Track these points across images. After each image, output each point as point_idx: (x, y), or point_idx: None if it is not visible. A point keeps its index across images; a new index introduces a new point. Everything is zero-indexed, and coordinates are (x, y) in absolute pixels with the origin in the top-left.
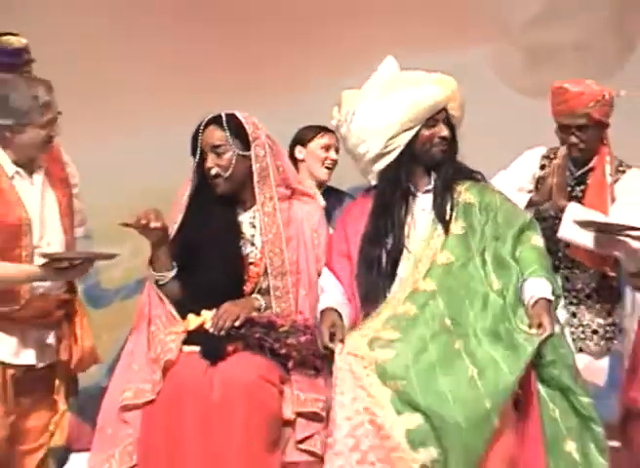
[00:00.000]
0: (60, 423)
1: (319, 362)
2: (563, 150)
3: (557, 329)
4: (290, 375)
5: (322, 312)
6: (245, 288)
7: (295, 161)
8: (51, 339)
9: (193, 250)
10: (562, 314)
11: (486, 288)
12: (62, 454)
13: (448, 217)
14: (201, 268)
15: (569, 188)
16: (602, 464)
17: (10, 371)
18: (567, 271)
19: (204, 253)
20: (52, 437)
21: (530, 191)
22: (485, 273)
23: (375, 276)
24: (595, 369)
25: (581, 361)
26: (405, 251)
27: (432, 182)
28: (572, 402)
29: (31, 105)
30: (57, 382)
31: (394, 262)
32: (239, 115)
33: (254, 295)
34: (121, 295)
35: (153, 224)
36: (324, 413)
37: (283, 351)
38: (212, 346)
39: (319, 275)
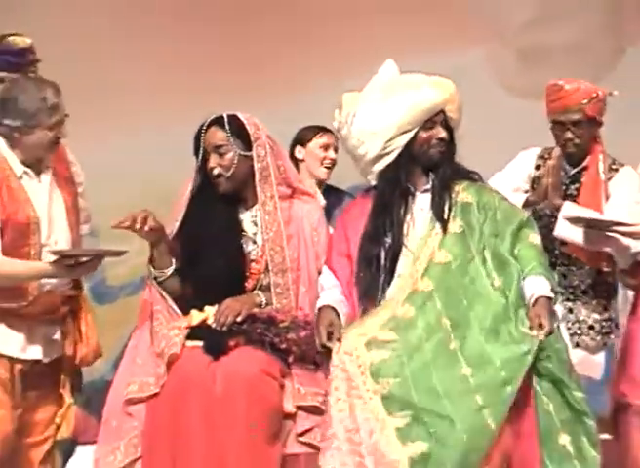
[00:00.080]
0: (66, 416)
1: (319, 356)
2: (557, 151)
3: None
4: (290, 370)
5: (320, 310)
6: (246, 284)
7: (295, 161)
8: (57, 335)
9: (196, 247)
10: (559, 310)
11: (487, 288)
12: (69, 447)
13: (446, 216)
14: (203, 265)
15: (563, 187)
16: (594, 457)
17: (17, 366)
18: (563, 268)
19: (206, 251)
20: (58, 430)
21: (526, 191)
22: (486, 272)
23: (374, 274)
24: (591, 363)
25: (578, 355)
26: (404, 249)
27: (430, 182)
28: (565, 396)
29: (39, 107)
30: (62, 376)
31: (393, 260)
32: (241, 116)
33: (255, 292)
34: (126, 292)
35: (147, 227)
36: (324, 407)
37: (283, 346)
38: (214, 341)
39: (319, 272)
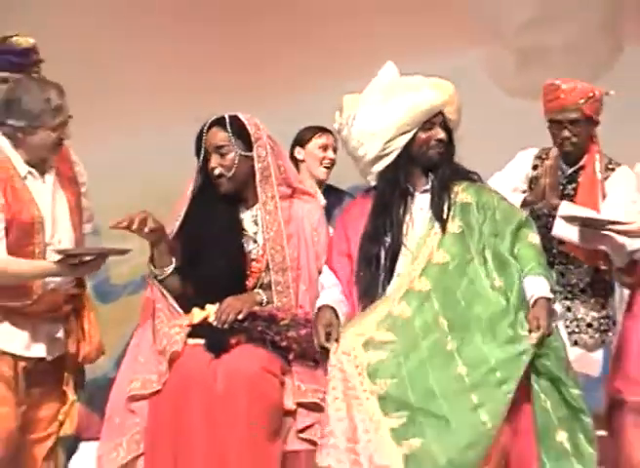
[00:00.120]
0: (69, 413)
1: (319, 354)
2: (554, 151)
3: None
4: (291, 367)
5: (319, 310)
6: (247, 283)
7: (295, 161)
8: (60, 333)
9: (197, 246)
10: (557, 308)
11: (486, 289)
12: (72, 443)
13: (445, 216)
14: (205, 264)
15: (561, 187)
16: (591, 454)
17: (21, 364)
18: (561, 267)
19: (208, 250)
20: (61, 426)
21: (524, 191)
22: (487, 272)
23: (374, 273)
24: (589, 360)
25: (576, 353)
26: (403, 248)
27: (430, 183)
28: (563, 393)
29: (43, 108)
30: (65, 374)
31: (393, 260)
32: (242, 117)
33: (256, 290)
34: (128, 291)
35: (147, 229)
36: (324, 404)
37: (284, 344)
38: (215, 339)
39: (319, 271)
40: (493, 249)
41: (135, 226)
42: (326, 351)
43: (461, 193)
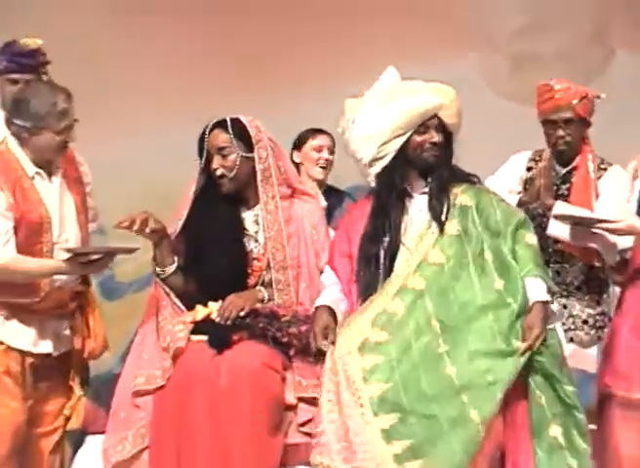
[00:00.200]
0: (75, 408)
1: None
2: (547, 152)
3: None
4: (292, 362)
5: (316, 310)
6: (249, 281)
7: (297, 165)
8: (66, 329)
9: (200, 245)
10: (554, 306)
11: (480, 295)
12: (79, 437)
13: (443, 218)
14: (208, 263)
15: (555, 187)
16: (585, 448)
17: (29, 360)
18: (557, 266)
19: (210, 249)
20: (68, 420)
21: (519, 192)
22: (486, 273)
23: (373, 272)
24: (585, 356)
25: (572, 348)
26: (402, 247)
27: (428, 185)
28: (557, 390)
29: (49, 111)
30: (71, 369)
31: (391, 259)
32: (243, 119)
33: (257, 288)
34: (133, 288)
35: (148, 229)
36: None
37: (285, 340)
38: (218, 335)
39: (318, 269)
40: (494, 249)
41: (136, 227)
42: (323, 353)
43: (461, 195)
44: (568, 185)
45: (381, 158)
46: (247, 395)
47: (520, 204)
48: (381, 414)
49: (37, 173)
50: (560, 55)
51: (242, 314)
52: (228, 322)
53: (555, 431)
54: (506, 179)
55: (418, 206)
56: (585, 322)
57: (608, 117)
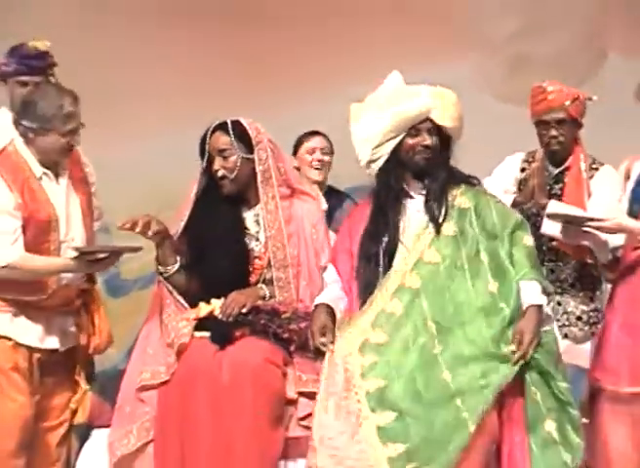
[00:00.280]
0: (82, 402)
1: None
2: (540, 153)
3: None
4: (292, 358)
5: (315, 308)
6: (250, 279)
7: (297, 169)
8: (72, 326)
9: (203, 245)
10: (548, 309)
11: (474, 297)
12: (85, 431)
13: (441, 219)
14: (210, 262)
15: (548, 187)
16: (579, 443)
17: (36, 355)
18: (551, 264)
19: (213, 248)
20: (74, 414)
21: (514, 193)
22: (480, 275)
23: (373, 269)
24: (580, 352)
25: (566, 344)
26: (401, 246)
27: (425, 186)
28: (551, 387)
29: (55, 114)
30: (77, 365)
31: (390, 257)
32: (243, 121)
33: (259, 285)
34: (138, 286)
35: (150, 232)
36: None
37: (286, 336)
38: (221, 331)
39: (318, 267)
40: (491, 251)
41: (138, 229)
42: (321, 351)
43: (460, 197)
44: (561, 185)
45: (375, 160)
46: (249, 389)
47: (514, 204)
48: (378, 411)
49: (44, 173)
50: (554, 57)
51: (244, 311)
52: (231, 318)
53: (550, 426)
54: (501, 180)
55: (415, 206)
56: (579, 318)
57: (600, 119)
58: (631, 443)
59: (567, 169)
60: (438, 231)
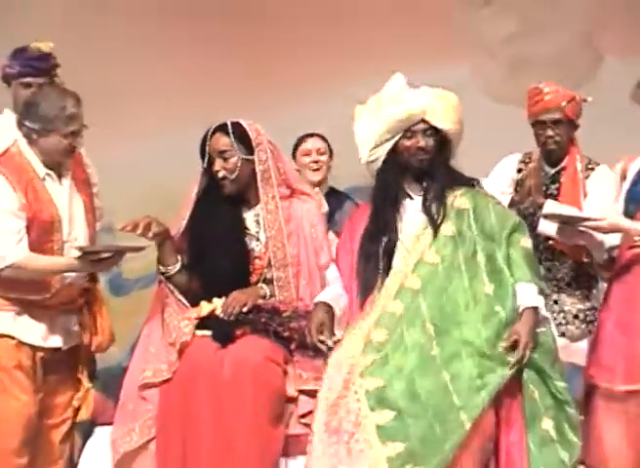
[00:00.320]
0: (85, 399)
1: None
2: (536, 154)
3: (544, 328)
4: (292, 356)
5: (314, 306)
6: (251, 278)
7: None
8: (75, 325)
9: (204, 245)
10: (543, 312)
11: (471, 298)
12: (88, 428)
13: (439, 220)
14: (211, 262)
15: (544, 187)
16: (576, 442)
17: (39, 354)
18: (548, 263)
19: (214, 248)
20: (77, 412)
21: (510, 194)
22: (477, 276)
23: (372, 269)
24: (576, 350)
25: (564, 342)
26: (400, 245)
27: (423, 187)
28: (549, 386)
29: (58, 115)
30: (80, 363)
31: (389, 256)
32: (243, 123)
33: (259, 285)
34: (140, 285)
35: (151, 234)
36: None
37: (286, 334)
38: (222, 330)
39: (317, 266)
40: (488, 253)
41: (139, 231)
42: (319, 349)
43: (459, 198)
44: (557, 185)
45: (373, 161)
46: (249, 387)
47: (511, 204)
48: (378, 410)
49: (48, 174)
50: (551, 59)
51: (245, 309)
52: (232, 317)
53: (547, 424)
54: (498, 181)
55: (414, 207)
56: (576, 316)
57: (596, 120)
58: (626, 440)
59: (563, 169)
60: (436, 232)
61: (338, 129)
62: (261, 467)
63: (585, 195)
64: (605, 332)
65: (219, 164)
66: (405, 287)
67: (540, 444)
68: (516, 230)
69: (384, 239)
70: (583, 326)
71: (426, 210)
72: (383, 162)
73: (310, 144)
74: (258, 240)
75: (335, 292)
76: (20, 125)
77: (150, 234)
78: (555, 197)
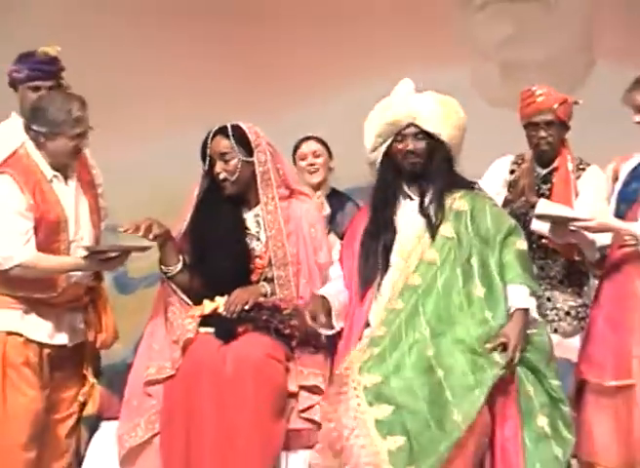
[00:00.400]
0: (90, 395)
1: (319, 341)
2: (529, 155)
3: (537, 329)
4: (293, 353)
5: (310, 297)
6: (252, 277)
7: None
8: (80, 322)
9: (205, 245)
10: (535, 314)
11: (462, 299)
12: (94, 422)
13: (438, 221)
14: (213, 261)
15: (536, 188)
16: (570, 439)
17: (46, 351)
18: (541, 261)
19: (215, 248)
20: (83, 407)
21: (504, 194)
22: (471, 278)
23: (372, 266)
24: (569, 346)
25: (557, 339)
26: (400, 246)
27: (420, 189)
28: (543, 384)
29: (64, 118)
30: (85, 359)
31: (387, 254)
32: (243, 125)
33: (260, 283)
34: (145, 283)
35: (151, 236)
36: (324, 386)
37: (287, 331)
38: (224, 327)
39: (317, 265)
40: (482, 257)
41: (140, 233)
42: (318, 341)
43: (458, 200)
44: (549, 185)
45: (371, 163)
46: (251, 383)
47: (505, 203)
48: (376, 405)
49: (55, 176)
50: (545, 62)
51: (247, 307)
52: (234, 315)
53: (542, 421)
54: (492, 183)
55: (413, 208)
56: (568, 313)
57: (587, 122)
58: (615, 435)
59: (555, 169)
60: (433, 234)
61: (338, 130)
62: (263, 461)
63: (577, 195)
64: (595, 329)
65: (219, 166)
66: (408, 286)
67: (535, 440)
68: (512, 233)
69: (383, 237)
70: (575, 322)
71: (424, 212)
72: (380, 164)
73: (306, 148)
74: (258, 240)
75: (335, 287)
76: (28, 129)
77: (151, 236)
78: (547, 197)
